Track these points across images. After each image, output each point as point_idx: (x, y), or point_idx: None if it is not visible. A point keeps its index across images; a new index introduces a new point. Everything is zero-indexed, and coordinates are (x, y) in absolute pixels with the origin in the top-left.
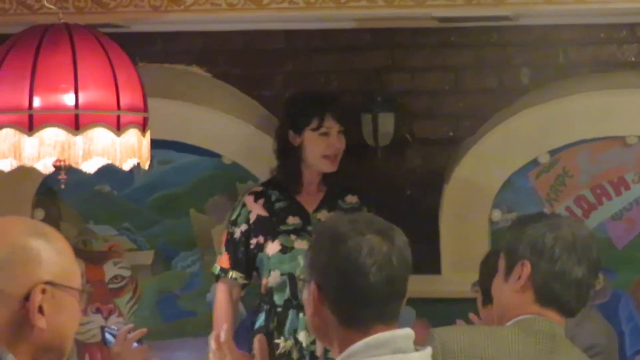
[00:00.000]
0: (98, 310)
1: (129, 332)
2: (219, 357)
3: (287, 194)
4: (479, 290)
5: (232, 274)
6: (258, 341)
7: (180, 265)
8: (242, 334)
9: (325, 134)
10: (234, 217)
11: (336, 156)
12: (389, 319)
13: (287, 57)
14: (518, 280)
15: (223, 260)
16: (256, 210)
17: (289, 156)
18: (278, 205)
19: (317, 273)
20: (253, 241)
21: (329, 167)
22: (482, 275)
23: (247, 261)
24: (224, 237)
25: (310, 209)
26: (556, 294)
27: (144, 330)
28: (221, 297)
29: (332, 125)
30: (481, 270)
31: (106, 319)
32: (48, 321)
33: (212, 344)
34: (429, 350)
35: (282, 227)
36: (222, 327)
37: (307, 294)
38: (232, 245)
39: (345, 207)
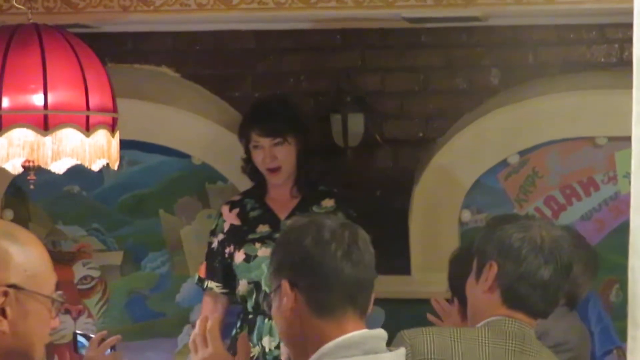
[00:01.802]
0: (67, 311)
1: (103, 338)
2: (200, 343)
3: (263, 202)
4: None
5: (208, 283)
6: (242, 338)
7: (149, 266)
8: None
9: (260, 148)
10: (213, 227)
11: (279, 168)
12: (360, 307)
13: (257, 58)
14: (486, 281)
15: (201, 270)
16: (230, 219)
17: (251, 167)
18: (252, 214)
19: (285, 270)
20: (227, 250)
21: (272, 179)
22: (449, 274)
23: (223, 270)
24: (207, 247)
25: (282, 216)
26: (522, 296)
27: (119, 337)
28: (205, 309)
29: (258, 140)
30: (449, 269)
31: (75, 319)
32: (11, 325)
33: (197, 326)
34: (402, 351)
35: (251, 236)
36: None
37: (277, 301)
38: (210, 255)
39: (319, 212)
